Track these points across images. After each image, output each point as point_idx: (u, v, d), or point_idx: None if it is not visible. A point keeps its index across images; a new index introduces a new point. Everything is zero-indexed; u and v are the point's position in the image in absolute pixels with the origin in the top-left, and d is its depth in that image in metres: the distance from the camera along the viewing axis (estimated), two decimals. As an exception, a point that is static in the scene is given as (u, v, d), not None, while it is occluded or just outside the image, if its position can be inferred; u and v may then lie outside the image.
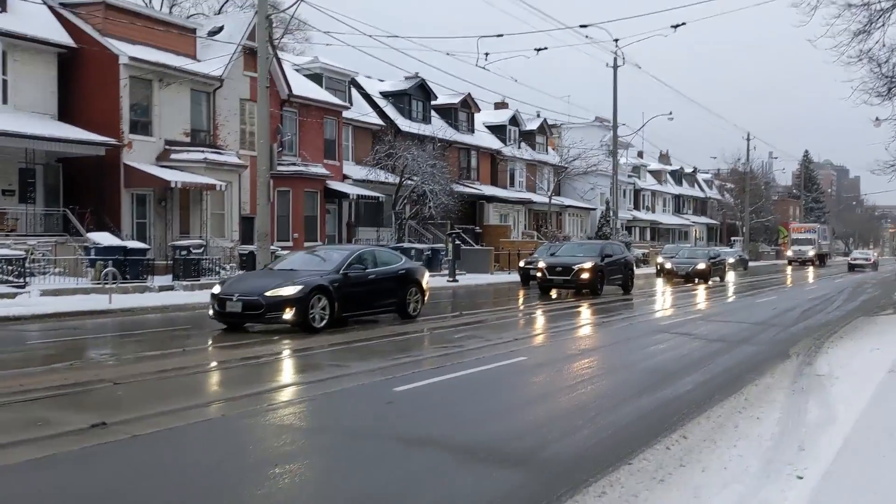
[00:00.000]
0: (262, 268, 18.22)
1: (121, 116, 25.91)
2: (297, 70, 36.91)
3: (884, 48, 23.50)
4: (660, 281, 35.42)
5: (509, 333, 14.55)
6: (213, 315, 14.24)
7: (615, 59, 46.31)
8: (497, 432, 7.24)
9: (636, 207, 73.01)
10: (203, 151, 27.68)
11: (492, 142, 50.34)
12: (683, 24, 21.26)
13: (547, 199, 53.47)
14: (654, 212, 77.70)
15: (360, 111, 39.66)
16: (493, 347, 12.54)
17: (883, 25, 22.93)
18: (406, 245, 34.79)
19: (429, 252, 33.57)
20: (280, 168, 31.33)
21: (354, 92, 40.97)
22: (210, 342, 13.05)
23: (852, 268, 60.00)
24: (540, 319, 18.03)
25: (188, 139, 28.23)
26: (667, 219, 78.88)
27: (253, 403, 8.02)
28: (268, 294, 13.66)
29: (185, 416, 7.40)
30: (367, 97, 41.79)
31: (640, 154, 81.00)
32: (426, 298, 16.97)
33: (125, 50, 25.83)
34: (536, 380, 10.23)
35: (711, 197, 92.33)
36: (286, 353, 11.99)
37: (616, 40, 21.76)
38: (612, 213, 50.07)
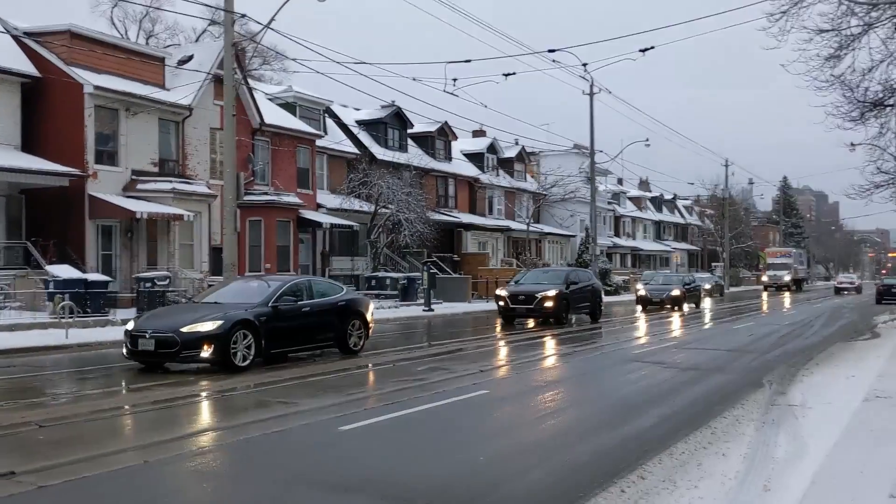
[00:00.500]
0: (187, 301, 17.49)
1: (85, 146, 25.37)
2: (270, 99, 36.59)
3: (854, 73, 23.56)
4: (637, 308, 34.94)
5: (475, 365, 14.03)
6: (126, 354, 12.98)
7: (591, 87, 46.49)
8: (444, 474, 6.74)
9: (616, 234, 72.95)
10: (171, 181, 27.15)
11: (470, 170, 50.14)
12: (652, 48, 21.13)
13: (526, 227, 53.22)
14: (634, 238, 77.67)
15: (335, 140, 39.32)
16: (456, 380, 12.02)
17: (853, 50, 23.01)
18: (381, 274, 34.34)
19: (404, 281, 33.07)
20: (251, 197, 30.91)
21: (330, 121, 40.68)
22: (144, 381, 12.43)
23: (838, 291, 65.81)
24: (508, 350, 17.47)
25: (156, 169, 27.71)
26: (647, 245, 78.88)
27: (171, 450, 7.42)
28: (184, 330, 12.40)
29: (101, 463, 6.82)
30: (343, 126, 41.49)
31: (620, 181, 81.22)
32: (371, 331, 15.81)
33: (90, 79, 25.38)
34: (496, 414, 9.73)
35: (692, 223, 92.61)
36: (208, 394, 10.90)
37: (584, 65, 21.55)
38: (591, 241, 49.85)
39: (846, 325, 26.45)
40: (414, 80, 21.52)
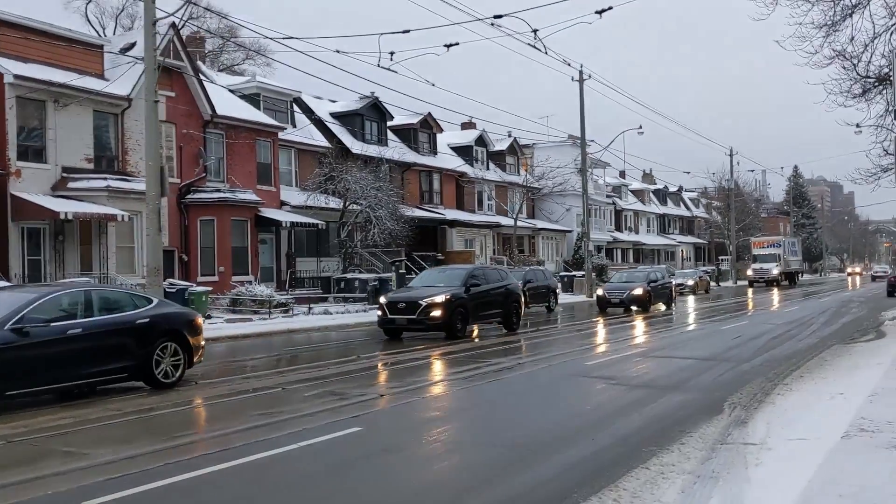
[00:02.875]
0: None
1: (6, 141, 23.20)
2: (231, 91, 34.37)
3: (852, 43, 20.97)
4: (606, 311, 29.51)
5: (374, 389, 11.64)
6: None
7: (580, 74, 44.27)
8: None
9: (618, 228, 70.26)
10: (106, 178, 24.94)
11: (457, 164, 47.69)
12: (610, 8, 18.59)
13: (519, 222, 50.74)
14: (637, 233, 74.97)
15: (306, 134, 37.05)
16: (335, 411, 9.63)
17: (852, 19, 20.42)
18: (350, 276, 32.06)
19: (375, 283, 30.71)
20: (203, 195, 28.69)
21: (302, 116, 38.41)
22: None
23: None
24: (426, 367, 14.79)
25: (91, 166, 25.50)
26: (651, 239, 76.13)
27: None
28: None
29: None
30: (316, 119, 39.19)
31: (622, 174, 78.46)
32: (199, 355, 12.11)
33: (11, 68, 23.19)
34: (358, 462, 7.34)
35: (698, 216, 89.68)
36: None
37: (535, 31, 19.13)
38: (584, 236, 47.30)
39: (850, 322, 23.85)
40: (338, 52, 19.12)
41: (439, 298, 18.52)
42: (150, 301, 11.99)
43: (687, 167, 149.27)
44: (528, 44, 20.04)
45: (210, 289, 25.72)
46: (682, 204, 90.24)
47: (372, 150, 38.43)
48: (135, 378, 11.28)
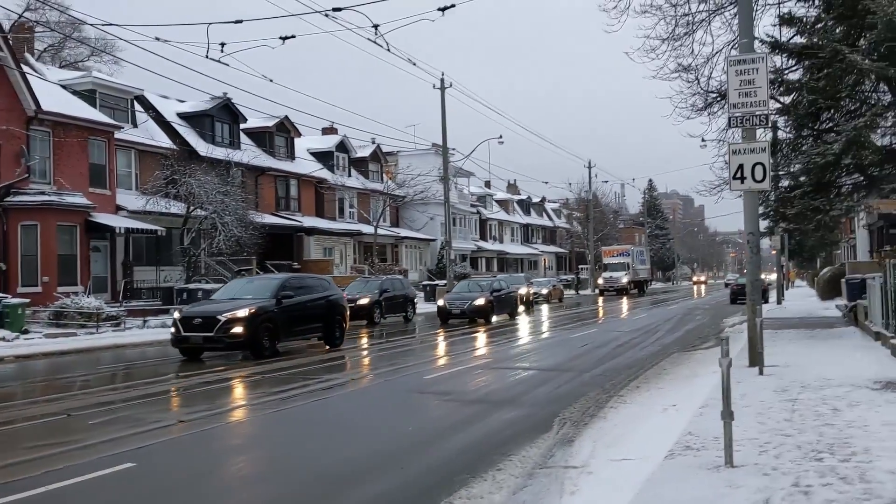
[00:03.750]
0: None
1: None
2: (64, 86, 31.61)
3: (694, 56, 21.44)
4: (450, 323, 27.91)
5: (174, 414, 10.37)
6: None
7: (441, 82, 44.05)
8: None
9: (482, 238, 70.76)
10: None
11: (317, 169, 46.21)
12: (452, 6, 18.14)
13: (381, 231, 49.90)
14: (501, 242, 75.83)
15: (149, 134, 34.69)
16: (117, 441, 8.33)
17: (691, 32, 20.85)
18: (193, 286, 29.98)
19: (221, 293, 28.84)
20: (24, 198, 26.07)
21: (147, 115, 35.97)
22: None
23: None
24: (250, 385, 13.30)
25: None
26: (515, 248, 77.23)
27: None
28: None
29: None
30: (161, 119, 36.82)
31: (488, 184, 79.33)
32: None
33: None
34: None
35: (560, 226, 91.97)
36: None
37: (376, 26, 18.39)
38: (445, 244, 47.02)
39: (693, 329, 24.41)
40: (157, 39, 17.61)
41: (242, 313, 16.12)
42: None
43: (552, 179, 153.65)
44: (369, 39, 19.20)
45: (28, 301, 23.30)
46: (545, 214, 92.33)
47: (222, 153, 36.46)
48: None
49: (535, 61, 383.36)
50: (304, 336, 18.76)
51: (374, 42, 19.21)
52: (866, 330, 18.94)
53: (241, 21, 15.96)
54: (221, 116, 39.81)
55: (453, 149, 53.12)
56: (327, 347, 18.80)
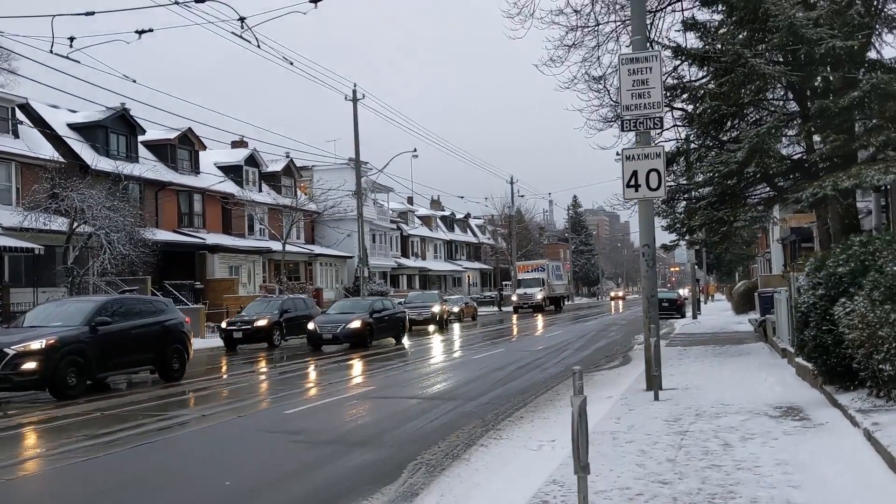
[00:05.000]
0: None
1: None
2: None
3: (603, 68, 20.63)
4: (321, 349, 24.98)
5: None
6: None
7: (354, 93, 42.79)
8: None
9: (404, 254, 69.33)
10: None
11: (219, 182, 43.98)
12: (323, -1, 16.89)
13: (294, 248, 48.04)
14: (424, 258, 74.55)
15: (35, 146, 32.21)
16: None
17: (601, 43, 20.04)
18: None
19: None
20: None
21: (32, 126, 33.46)
22: None
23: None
24: (53, 430, 11.66)
25: None
26: (438, 265, 76.02)
27: None
28: None
29: None
30: (51, 132, 34.29)
31: (410, 200, 78.01)
32: None
33: None
34: None
35: (485, 242, 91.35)
36: None
37: (242, 19, 16.89)
38: (359, 261, 45.48)
39: (604, 346, 23.45)
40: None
41: (36, 344, 13.44)
42: None
43: (479, 195, 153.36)
44: (234, 32, 17.67)
45: None
46: (469, 230, 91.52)
47: (116, 167, 34.09)
48: None
49: (467, 73, 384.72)
50: (128, 370, 16.03)
51: (241, 37, 17.65)
52: (774, 346, 18.23)
53: (92, 13, 14.22)
54: (117, 128, 37.47)
55: (366, 162, 51.75)
56: (164, 381, 16.19)
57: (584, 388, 13.41)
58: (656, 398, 11.15)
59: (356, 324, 24.72)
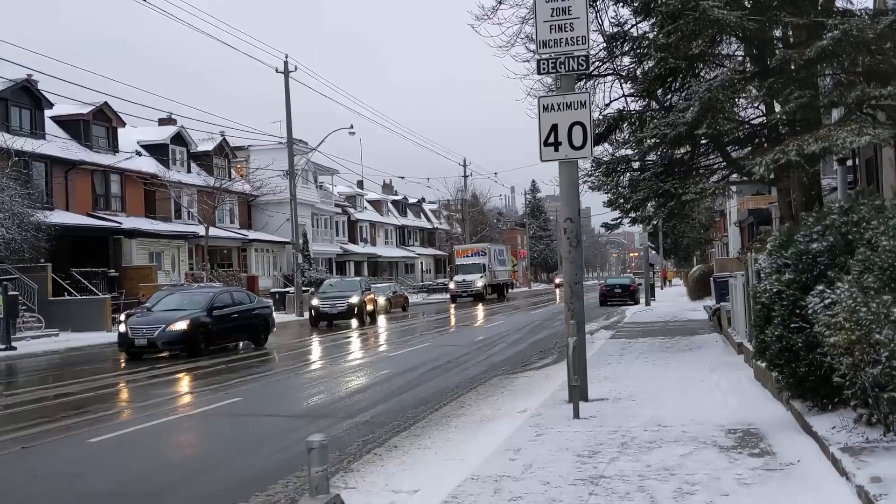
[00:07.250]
0: None
1: None
2: None
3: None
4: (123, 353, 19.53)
5: None
6: None
7: (285, 65, 39.97)
8: None
9: (352, 240, 66.30)
10: None
11: (145, 164, 40.60)
12: None
13: (226, 233, 44.93)
14: (374, 244, 71.60)
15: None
16: None
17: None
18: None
19: (-9, 307, 23.36)
20: None
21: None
22: None
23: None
24: None
25: None
26: (388, 251, 73.13)
27: None
28: None
29: None
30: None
31: (361, 184, 74.96)
32: None
33: None
34: None
35: (439, 227, 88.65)
36: None
37: None
38: (293, 246, 42.57)
39: (542, 339, 20.93)
40: None
41: (181, 324, 13.35)
42: None
43: (434, 179, 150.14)
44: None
45: None
46: (423, 215, 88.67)
47: (19, 143, 30.70)
48: None
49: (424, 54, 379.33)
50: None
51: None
52: (729, 339, 15.86)
53: None
54: (20, 101, 33.99)
55: (304, 141, 48.71)
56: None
57: (499, 397, 10.74)
58: (576, 415, 8.60)
59: (181, 325, 18.38)
